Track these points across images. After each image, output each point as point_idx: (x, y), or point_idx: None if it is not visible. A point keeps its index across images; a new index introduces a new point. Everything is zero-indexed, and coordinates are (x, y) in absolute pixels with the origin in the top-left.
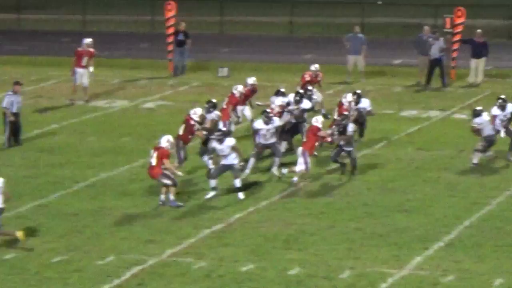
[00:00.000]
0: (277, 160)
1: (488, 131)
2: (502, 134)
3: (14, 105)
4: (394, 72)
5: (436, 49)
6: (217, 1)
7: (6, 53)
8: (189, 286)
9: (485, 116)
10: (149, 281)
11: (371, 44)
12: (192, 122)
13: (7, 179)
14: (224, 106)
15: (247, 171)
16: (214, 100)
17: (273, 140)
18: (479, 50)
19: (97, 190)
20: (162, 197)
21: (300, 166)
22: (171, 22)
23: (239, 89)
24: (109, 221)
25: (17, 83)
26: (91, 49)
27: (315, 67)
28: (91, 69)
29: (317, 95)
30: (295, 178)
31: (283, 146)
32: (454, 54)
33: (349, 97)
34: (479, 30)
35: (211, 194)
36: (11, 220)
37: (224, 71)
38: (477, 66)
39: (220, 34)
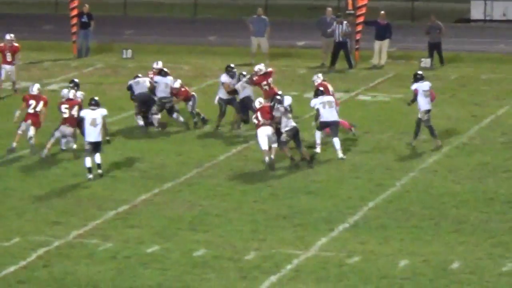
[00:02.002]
0: None
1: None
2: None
3: None
4: (298, 54)
5: (339, 32)
6: None
7: None
8: (95, 267)
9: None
10: (55, 262)
11: (274, 26)
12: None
13: None
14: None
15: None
16: (76, 80)
17: None
18: (382, 32)
19: (1, 172)
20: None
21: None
22: (75, 3)
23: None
24: (14, 202)
25: None
26: (16, 44)
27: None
28: (19, 62)
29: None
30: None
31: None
32: (358, 36)
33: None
34: (382, 12)
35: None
36: None
37: (128, 53)
38: (381, 48)
39: (124, 16)
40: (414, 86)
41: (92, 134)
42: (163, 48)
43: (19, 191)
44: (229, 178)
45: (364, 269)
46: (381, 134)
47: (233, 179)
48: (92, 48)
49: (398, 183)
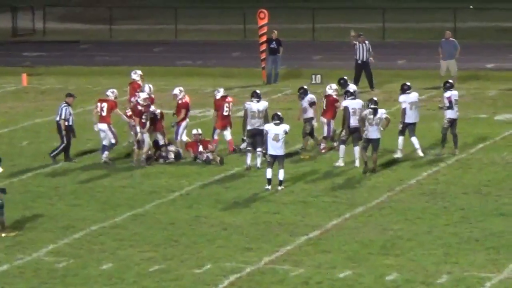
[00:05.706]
0: None
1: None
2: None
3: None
4: (487, 76)
5: (363, 52)
6: (308, 8)
7: (99, 63)
8: None
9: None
10: None
11: (463, 49)
12: None
13: (103, 189)
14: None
15: None
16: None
17: None
18: None
19: (193, 199)
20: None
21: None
22: (264, 30)
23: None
24: (205, 229)
25: (70, 95)
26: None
27: None
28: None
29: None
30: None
31: None
32: None
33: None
34: None
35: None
36: (107, 229)
37: (317, 78)
38: None
39: (312, 41)
40: (448, 94)
41: (274, 148)
42: (352, 73)
43: (210, 218)
44: (420, 201)
45: None
46: None
47: (424, 202)
48: (281, 74)
49: None
